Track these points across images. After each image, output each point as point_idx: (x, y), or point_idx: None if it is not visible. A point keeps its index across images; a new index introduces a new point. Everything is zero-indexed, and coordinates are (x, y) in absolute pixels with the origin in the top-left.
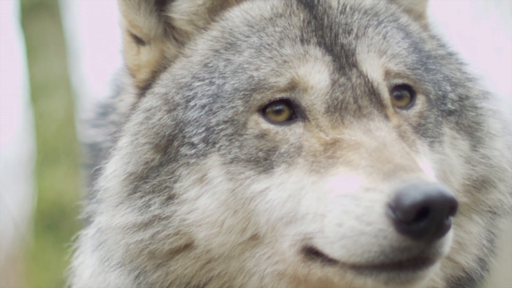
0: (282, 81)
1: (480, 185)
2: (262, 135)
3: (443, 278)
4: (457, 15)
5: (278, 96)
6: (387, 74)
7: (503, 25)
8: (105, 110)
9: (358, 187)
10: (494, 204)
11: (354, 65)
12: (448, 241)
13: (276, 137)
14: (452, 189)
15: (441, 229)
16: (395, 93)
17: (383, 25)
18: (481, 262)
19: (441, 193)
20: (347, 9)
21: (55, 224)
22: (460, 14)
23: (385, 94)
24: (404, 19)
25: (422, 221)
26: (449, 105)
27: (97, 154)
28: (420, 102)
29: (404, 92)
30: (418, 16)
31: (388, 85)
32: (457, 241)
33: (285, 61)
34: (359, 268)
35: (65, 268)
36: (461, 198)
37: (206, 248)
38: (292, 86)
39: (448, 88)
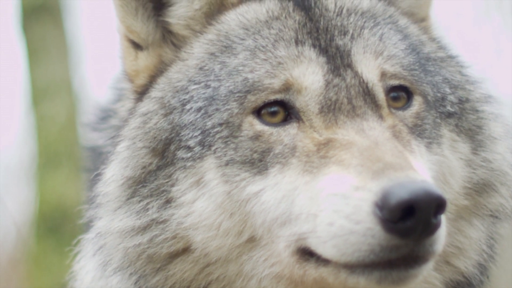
0: (276, 83)
1: (481, 188)
2: (257, 137)
3: (442, 282)
4: (458, 18)
5: (273, 97)
6: (383, 75)
7: (504, 27)
8: (106, 114)
9: (348, 186)
10: (496, 208)
11: (349, 66)
12: (440, 239)
13: (270, 138)
14: (452, 191)
15: (428, 228)
16: (392, 94)
17: (379, 26)
18: (481, 268)
19: (427, 191)
20: (344, 11)
21: (56, 228)
22: (461, 17)
23: (380, 95)
24: (403, 21)
25: (408, 220)
26: (449, 107)
27: (98, 158)
28: (417, 103)
29: (401, 93)
30: (421, 19)
31: (384, 86)
32: (457, 246)
33: (279, 63)
34: (351, 267)
35: (67, 272)
36: (461, 201)
37: (203, 252)
38: (287, 87)
39: (448, 90)
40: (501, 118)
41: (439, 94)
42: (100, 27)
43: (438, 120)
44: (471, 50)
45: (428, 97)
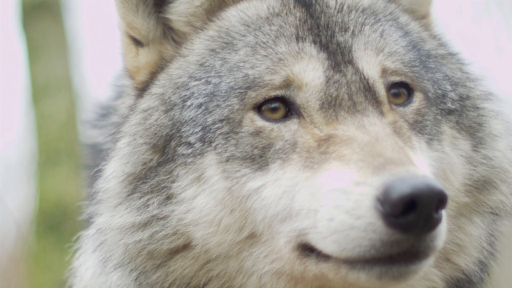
0: (277, 79)
1: (481, 185)
2: (257, 133)
3: (443, 279)
4: (458, 15)
5: (273, 93)
6: (384, 71)
7: (504, 25)
8: (106, 111)
9: (349, 181)
10: (496, 205)
11: (350, 62)
12: (441, 235)
13: (271, 134)
14: (452, 188)
15: (429, 223)
16: (393, 90)
17: (380, 23)
18: (481, 265)
19: (428, 186)
20: (345, 8)
21: (57, 225)
22: (461, 14)
23: (381, 91)
24: (404, 18)
25: (409, 214)
26: (449, 104)
27: (98, 155)
28: (417, 100)
29: (401, 90)
30: (422, 16)
31: (384, 83)
32: (457, 243)
33: (280, 59)
34: (352, 262)
35: (67, 269)
36: (462, 199)
37: (204, 248)
38: (287, 83)
39: (448, 87)
40: (502, 116)
41: (439, 91)
42: (100, 24)
43: (439, 117)
44: (471, 47)
45: (428, 93)
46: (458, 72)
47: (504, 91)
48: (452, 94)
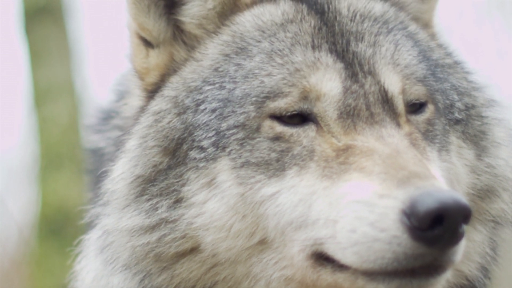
0: (295, 92)
1: (484, 194)
2: (277, 138)
3: (446, 286)
4: (460, 18)
5: (291, 108)
6: (404, 90)
7: (506, 28)
8: (107, 115)
9: (372, 194)
10: (497, 214)
11: (370, 73)
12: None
13: (291, 138)
14: None
15: (455, 237)
16: (409, 104)
17: (393, 33)
18: (484, 270)
19: (456, 201)
20: (357, 16)
21: (59, 229)
22: (463, 17)
23: (400, 105)
24: (413, 27)
25: (436, 228)
26: (456, 114)
27: (100, 160)
28: (429, 111)
29: (416, 102)
30: (425, 24)
31: (404, 99)
32: None
33: (296, 69)
34: (371, 274)
35: (69, 273)
36: None
37: (212, 252)
38: (305, 96)
39: (455, 97)
40: (505, 123)
41: (448, 101)
42: (103, 28)
43: (447, 127)
44: (473, 51)
45: (438, 104)
46: (463, 81)
47: (506, 94)
48: (459, 104)
